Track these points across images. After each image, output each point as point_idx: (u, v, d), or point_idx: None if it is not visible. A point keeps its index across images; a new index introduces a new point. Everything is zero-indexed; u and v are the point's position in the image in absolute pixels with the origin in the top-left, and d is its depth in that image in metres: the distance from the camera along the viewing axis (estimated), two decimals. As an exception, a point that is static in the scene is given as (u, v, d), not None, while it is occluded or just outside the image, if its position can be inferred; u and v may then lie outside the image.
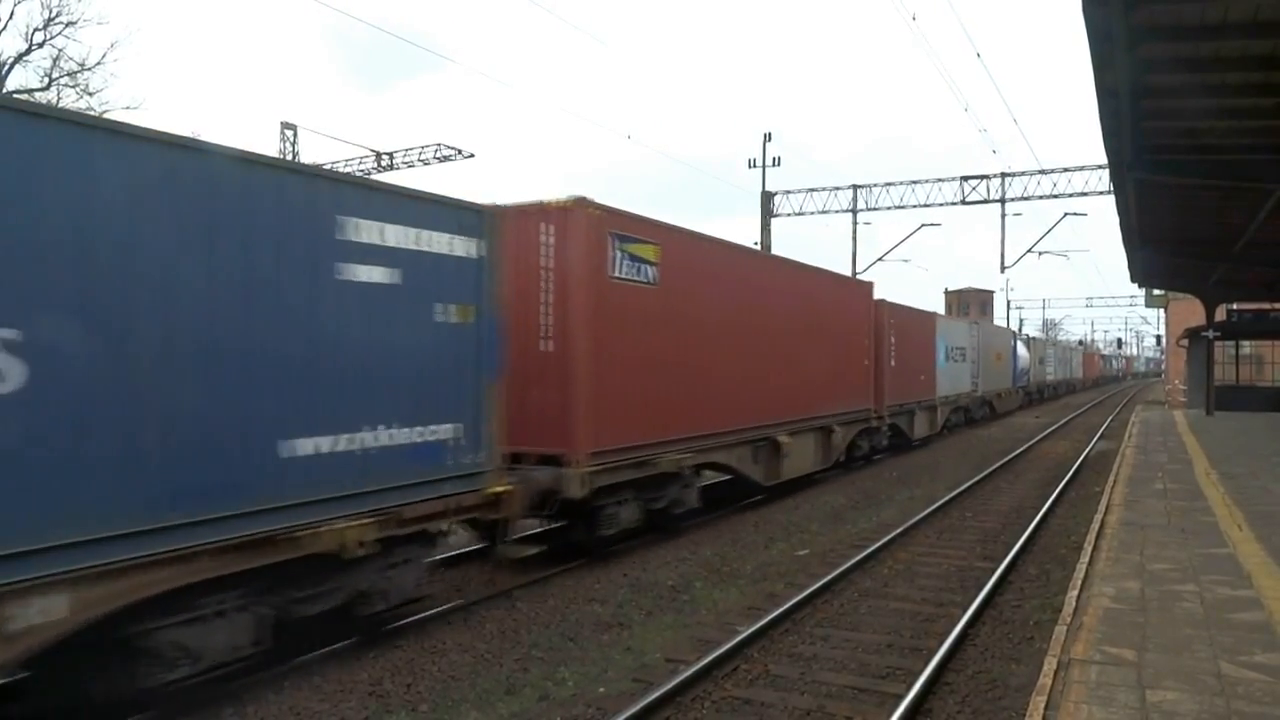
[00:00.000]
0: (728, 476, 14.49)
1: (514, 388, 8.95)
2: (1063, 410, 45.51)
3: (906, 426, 23.37)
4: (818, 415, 16.83)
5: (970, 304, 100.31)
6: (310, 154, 37.41)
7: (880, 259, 36.14)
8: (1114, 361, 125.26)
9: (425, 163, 36.73)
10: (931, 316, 27.01)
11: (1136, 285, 39.51)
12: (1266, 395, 30.86)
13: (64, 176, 5.21)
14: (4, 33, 27.28)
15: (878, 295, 22.76)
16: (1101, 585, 7.26)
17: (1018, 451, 23.60)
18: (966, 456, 22.65)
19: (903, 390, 22.32)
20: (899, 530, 12.39)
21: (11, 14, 28.06)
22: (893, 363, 21.24)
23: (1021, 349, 44.75)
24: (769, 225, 34.50)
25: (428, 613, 8.55)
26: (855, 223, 34.27)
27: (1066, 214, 36.68)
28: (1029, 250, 41.31)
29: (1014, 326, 75.69)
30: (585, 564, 10.67)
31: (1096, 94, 9.97)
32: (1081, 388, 78.79)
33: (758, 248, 34.89)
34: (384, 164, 36.57)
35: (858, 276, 34.42)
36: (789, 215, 34.74)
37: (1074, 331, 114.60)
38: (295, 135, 37.13)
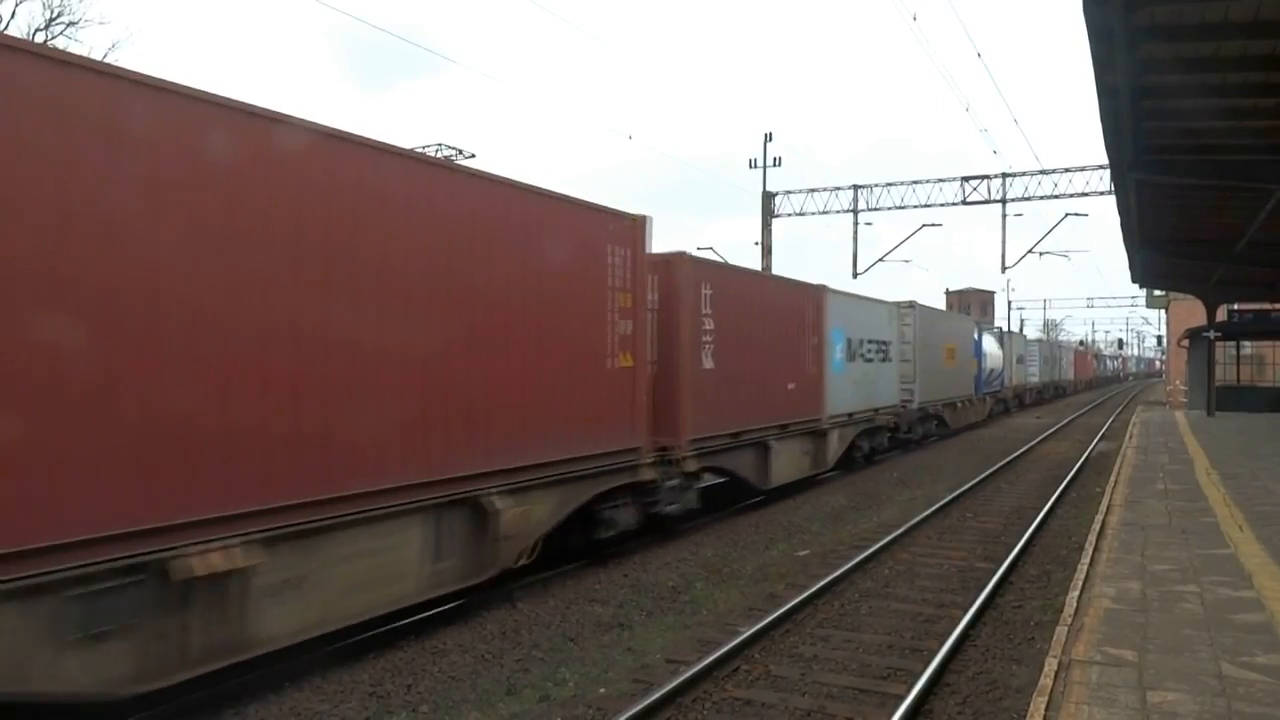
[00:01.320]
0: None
1: None
2: (1064, 411, 45.46)
3: (752, 469, 14.35)
4: (439, 479, 7.83)
5: (971, 304, 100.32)
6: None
7: (881, 259, 36.06)
8: (1109, 362, 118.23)
9: (426, 163, 36.72)
10: (814, 291, 17.22)
11: (1137, 286, 39.51)
12: (1267, 396, 30.84)
13: None
14: (6, 32, 27.32)
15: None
16: (1102, 586, 7.25)
17: (1019, 452, 23.58)
18: (968, 457, 22.63)
19: (739, 410, 13.55)
20: (900, 531, 12.38)
21: (13, 14, 28.01)
22: (709, 363, 12.48)
23: (990, 344, 35.54)
24: (770, 225, 34.48)
25: (428, 613, 8.55)
26: (856, 223, 34.21)
27: (1067, 214, 36.55)
28: (1030, 251, 40.84)
29: (1015, 327, 74.23)
30: (586, 564, 10.66)
31: (1097, 94, 9.97)
32: (1072, 391, 69.17)
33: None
34: (385, 164, 36.56)
35: (858, 277, 34.35)
36: (790, 215, 34.72)
37: (1075, 332, 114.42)
38: (296, 136, 37.11)
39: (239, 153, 6.20)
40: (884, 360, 21.10)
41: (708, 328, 12.59)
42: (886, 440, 21.72)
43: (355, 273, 7.02)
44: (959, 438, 28.52)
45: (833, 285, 18.45)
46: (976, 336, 32.78)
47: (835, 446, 17.90)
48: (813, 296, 17.16)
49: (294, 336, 6.54)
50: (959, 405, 29.05)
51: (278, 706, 6.52)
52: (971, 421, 31.42)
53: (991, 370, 35.07)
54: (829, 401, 17.26)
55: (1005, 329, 43.46)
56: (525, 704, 6.61)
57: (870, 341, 20.09)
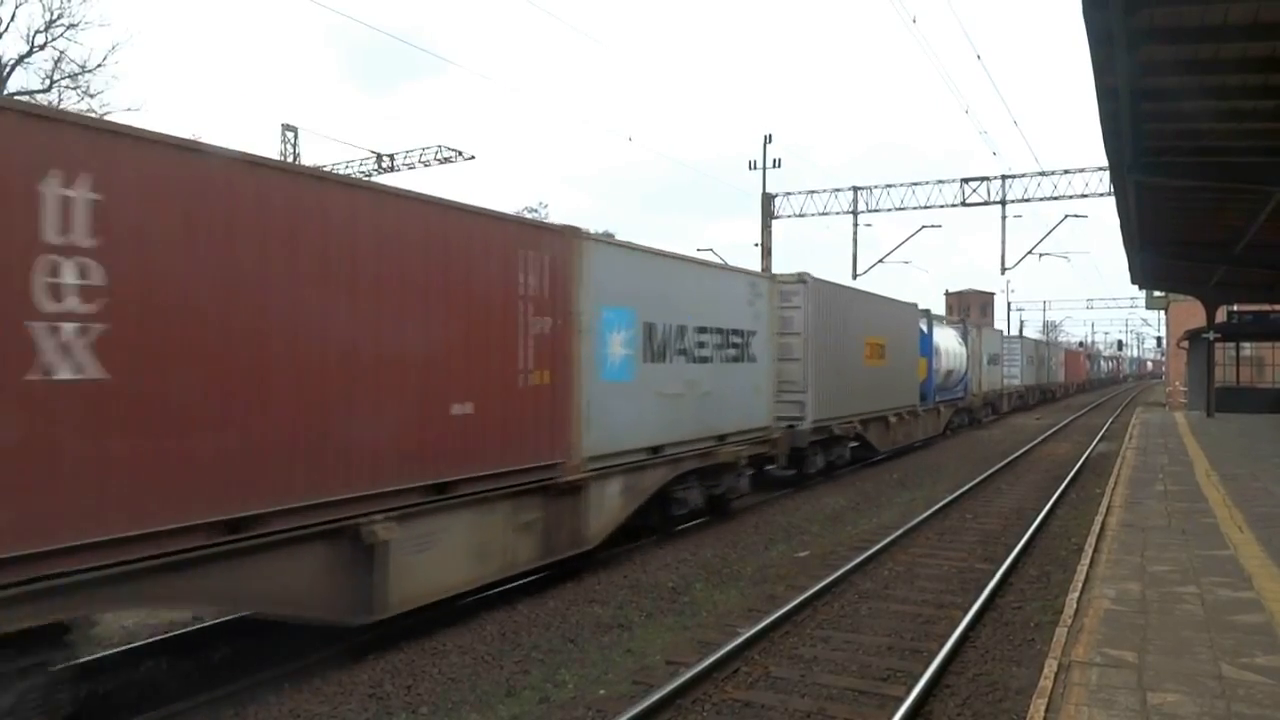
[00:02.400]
0: None
1: None
2: (1063, 413, 45.46)
3: (318, 591, 6.92)
4: None
5: (971, 305, 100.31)
6: (311, 156, 37.50)
7: (881, 261, 36.11)
8: (1102, 363, 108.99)
9: (426, 164, 36.87)
10: (542, 238, 9.47)
11: (1137, 287, 39.55)
12: (1267, 397, 30.87)
13: None
14: (5, 35, 27.39)
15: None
16: (1102, 587, 7.25)
17: (1018, 453, 23.57)
18: (967, 459, 22.63)
19: (238, 470, 6.23)
20: (899, 532, 12.38)
21: (13, 16, 28.04)
22: (89, 369, 5.35)
23: (947, 340, 28.56)
24: (770, 227, 34.52)
25: (427, 615, 8.55)
26: (856, 224, 34.27)
27: (1067, 216, 36.87)
28: (1029, 252, 40.94)
29: (1014, 328, 73.01)
30: (586, 566, 10.66)
31: (1097, 96, 9.99)
32: (1063, 395, 62.34)
33: (758, 250, 34.97)
34: (385, 166, 36.69)
35: (858, 278, 34.29)
36: (790, 217, 34.78)
37: (1075, 333, 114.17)
38: (296, 137, 37.24)
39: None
40: (739, 360, 13.61)
41: (75, 280, 5.32)
42: (747, 480, 14.18)
43: None
44: (958, 439, 28.49)
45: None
46: (925, 329, 25.66)
47: (610, 508, 10.52)
48: (543, 246, 9.24)
49: None
50: (892, 420, 21.62)
51: (278, 708, 6.51)
52: (917, 439, 24.55)
53: (949, 372, 28.21)
54: (592, 431, 9.90)
55: (966, 322, 34.25)
56: (525, 705, 6.61)
57: (708, 331, 12.66)
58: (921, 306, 25.49)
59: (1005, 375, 39.90)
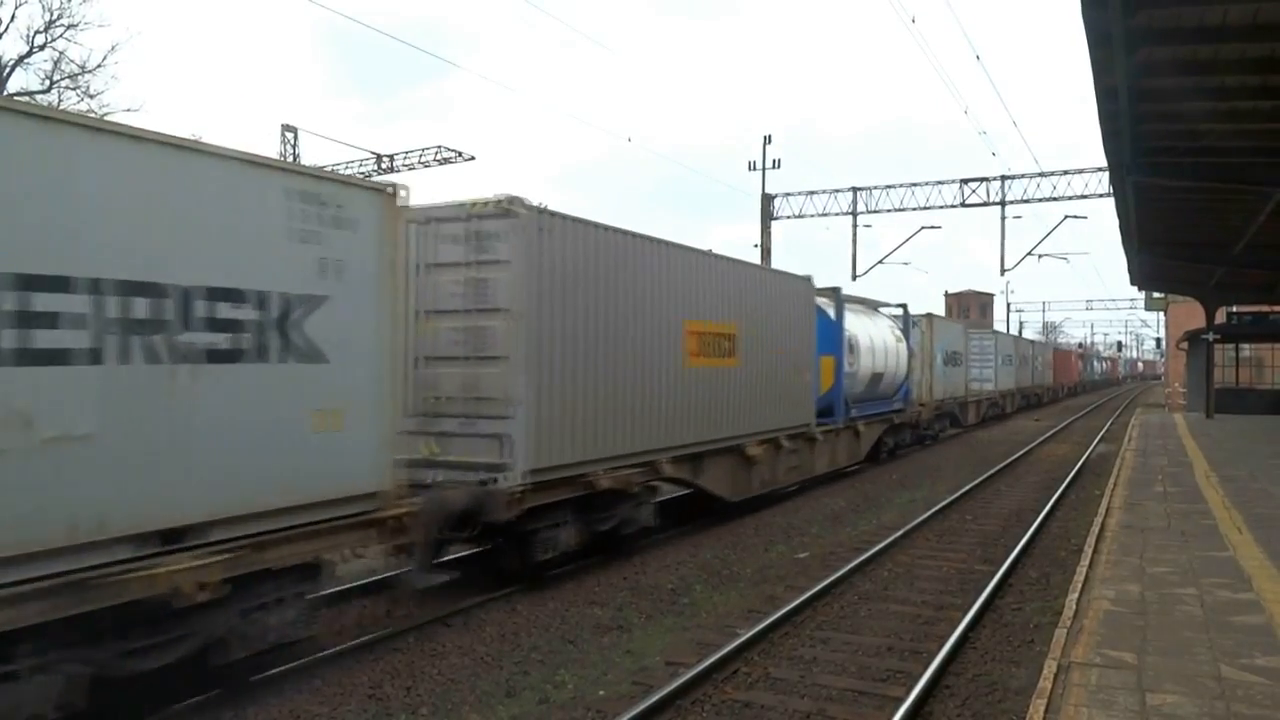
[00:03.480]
0: None
1: None
2: (1062, 414, 45.44)
3: None
4: None
5: (970, 306, 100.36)
6: (311, 156, 37.48)
7: (880, 261, 36.10)
8: (1096, 364, 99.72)
9: (426, 165, 36.84)
10: None
11: (1136, 288, 39.55)
12: (1266, 398, 30.88)
13: None
14: (5, 35, 27.42)
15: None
16: (1101, 588, 7.26)
17: (1017, 455, 23.56)
18: (968, 460, 22.62)
19: None
20: (899, 533, 12.38)
21: (13, 16, 28.02)
22: None
23: (875, 332, 20.44)
24: (769, 228, 34.53)
25: (428, 616, 8.55)
26: (855, 225, 34.27)
27: (1066, 217, 36.67)
28: (1029, 253, 40.85)
29: (1014, 329, 72.46)
30: (585, 567, 10.66)
31: (1096, 96, 10.01)
32: (1050, 399, 54.19)
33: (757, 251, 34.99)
34: (384, 166, 36.68)
35: (857, 279, 34.22)
36: (789, 218, 34.78)
37: (1074, 334, 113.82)
38: (296, 138, 37.22)
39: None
40: (248, 355, 6.15)
41: None
42: (296, 616, 6.70)
43: None
44: (958, 441, 28.41)
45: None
46: (833, 315, 18.10)
47: None
48: None
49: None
50: (755, 451, 13.98)
51: (278, 709, 6.51)
52: (819, 473, 17.33)
53: (877, 376, 20.18)
54: None
55: (909, 311, 24.16)
56: (524, 706, 6.61)
57: (74, 287, 5.07)
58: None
59: (972, 379, 31.91)
